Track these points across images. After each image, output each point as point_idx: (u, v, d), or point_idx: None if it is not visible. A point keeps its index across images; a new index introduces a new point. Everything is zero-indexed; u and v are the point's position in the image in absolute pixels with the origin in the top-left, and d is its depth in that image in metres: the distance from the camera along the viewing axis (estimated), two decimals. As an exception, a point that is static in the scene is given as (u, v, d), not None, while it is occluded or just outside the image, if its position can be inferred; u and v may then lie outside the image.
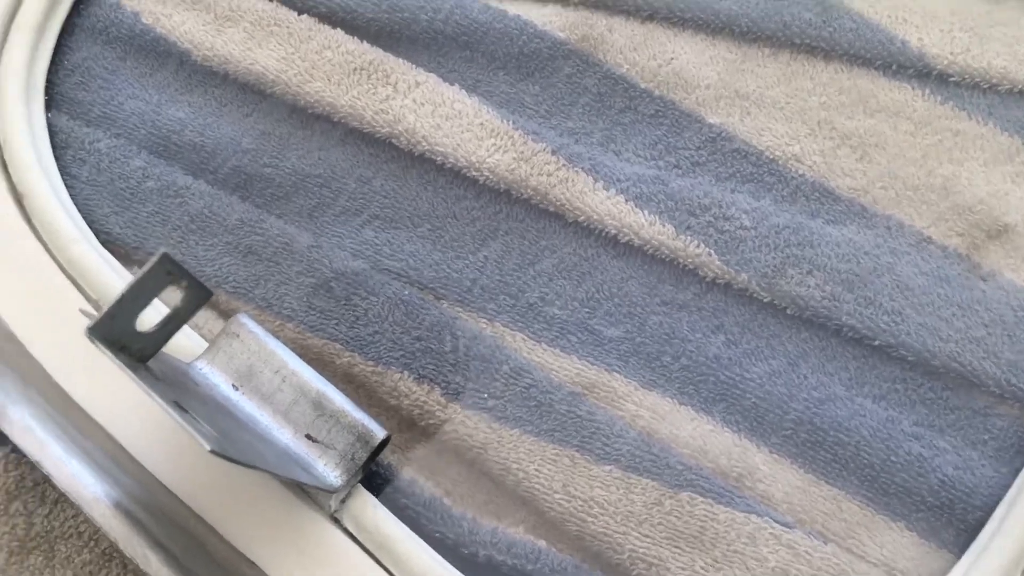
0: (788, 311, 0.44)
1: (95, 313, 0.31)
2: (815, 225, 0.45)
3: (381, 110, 0.48)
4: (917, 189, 0.45)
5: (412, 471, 0.42)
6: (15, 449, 0.41)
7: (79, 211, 0.46)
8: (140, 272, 0.31)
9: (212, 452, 0.28)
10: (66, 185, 0.47)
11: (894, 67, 0.48)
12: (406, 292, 0.45)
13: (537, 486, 0.41)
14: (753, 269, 0.44)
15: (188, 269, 0.33)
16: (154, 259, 0.31)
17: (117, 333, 0.31)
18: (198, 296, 0.33)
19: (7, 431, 0.37)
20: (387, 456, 0.42)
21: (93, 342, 0.29)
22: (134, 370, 0.29)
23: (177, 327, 0.34)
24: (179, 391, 0.34)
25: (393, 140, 0.48)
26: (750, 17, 0.49)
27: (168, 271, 0.31)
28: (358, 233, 0.47)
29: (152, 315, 0.36)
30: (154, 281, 0.31)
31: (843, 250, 0.44)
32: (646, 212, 0.45)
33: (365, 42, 0.50)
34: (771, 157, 0.47)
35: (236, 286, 0.45)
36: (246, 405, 0.39)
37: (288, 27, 0.50)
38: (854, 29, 0.48)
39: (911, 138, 0.46)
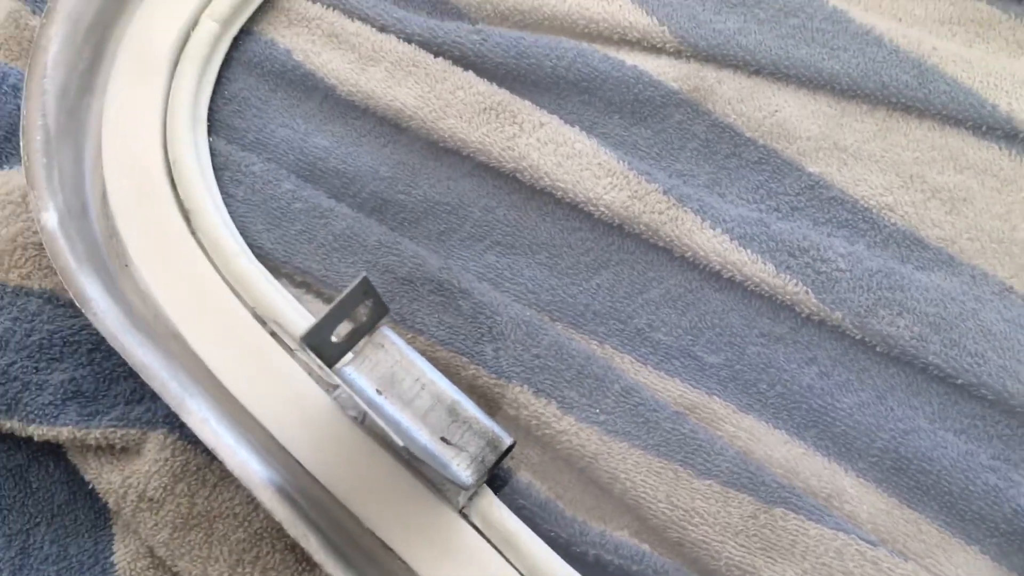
0: (878, 348, 0.47)
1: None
2: (905, 270, 0.48)
3: (508, 147, 0.53)
4: (1001, 242, 0.49)
5: (528, 475, 0.47)
6: (183, 436, 0.47)
7: (236, 227, 0.52)
8: (344, 292, 0.36)
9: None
10: (224, 203, 0.52)
11: (984, 128, 0.51)
12: (527, 314, 0.49)
13: (643, 495, 0.45)
14: (847, 308, 0.48)
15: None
16: (356, 282, 0.36)
17: (319, 342, 0.36)
18: (379, 312, 0.38)
19: (186, 420, 0.42)
20: (506, 461, 0.47)
21: (303, 347, 0.34)
22: (331, 369, 0.34)
23: (359, 338, 0.39)
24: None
25: (517, 174, 0.52)
26: (850, 76, 0.53)
27: (364, 291, 0.36)
28: (481, 257, 0.52)
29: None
30: (353, 300, 0.36)
31: (931, 295, 0.48)
32: (749, 251, 0.49)
33: (494, 84, 0.55)
34: (866, 206, 0.51)
35: (374, 300, 0.50)
36: (389, 408, 0.44)
37: (425, 68, 0.55)
38: (947, 91, 0.52)
39: (997, 194, 0.50)
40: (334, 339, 0.38)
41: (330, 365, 0.38)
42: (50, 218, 0.47)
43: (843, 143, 0.52)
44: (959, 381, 0.46)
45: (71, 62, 0.51)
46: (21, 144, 0.48)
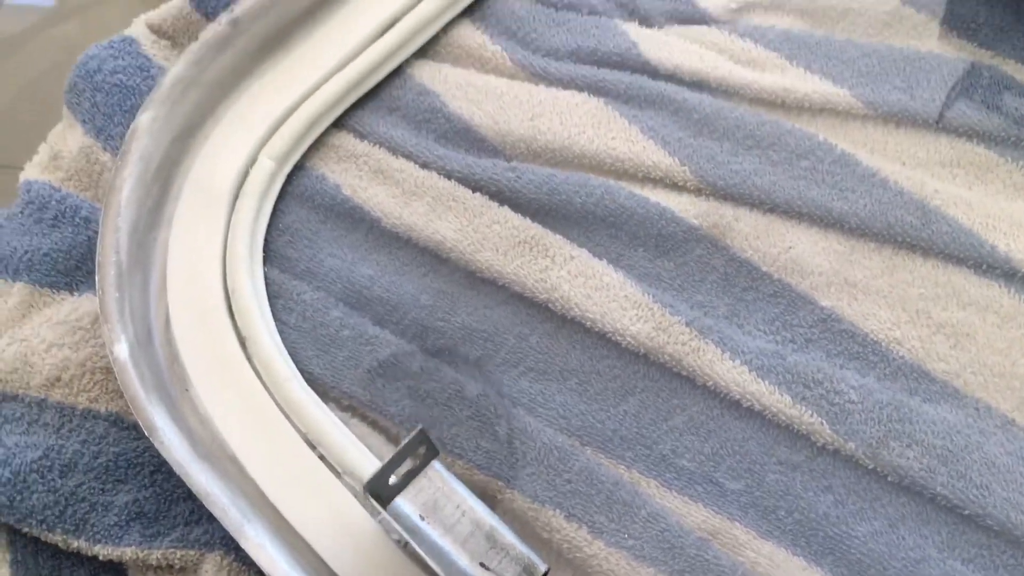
0: (889, 478, 0.51)
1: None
2: (914, 403, 0.52)
3: (540, 279, 0.57)
4: (1003, 376, 0.53)
5: (560, 596, 0.50)
6: (238, 557, 0.50)
7: (288, 352, 0.56)
8: (404, 442, 0.40)
9: None
10: (278, 330, 0.56)
11: (984, 267, 0.55)
12: (559, 439, 0.53)
13: (669, 618, 0.48)
14: (859, 439, 0.51)
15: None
16: (414, 432, 0.39)
17: (379, 487, 0.39)
18: (431, 456, 0.42)
19: (244, 546, 0.46)
20: (540, 582, 0.50)
21: (365, 495, 0.38)
22: (386, 512, 0.38)
23: (411, 479, 0.42)
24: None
25: (549, 305, 0.56)
26: (858, 216, 0.57)
27: (420, 441, 0.40)
28: (516, 383, 0.55)
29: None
30: (410, 449, 0.40)
31: (938, 428, 0.51)
32: (766, 382, 0.53)
33: (527, 218, 0.59)
34: (875, 339, 0.54)
35: (414, 425, 0.54)
36: (431, 533, 0.47)
37: (464, 203, 0.59)
38: (949, 232, 0.56)
39: (998, 330, 0.54)
40: (392, 482, 0.41)
41: (385, 507, 0.41)
42: (122, 350, 0.51)
43: (853, 279, 0.56)
44: (966, 512, 0.49)
45: (141, 200, 0.56)
46: (97, 279, 0.52)
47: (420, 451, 0.42)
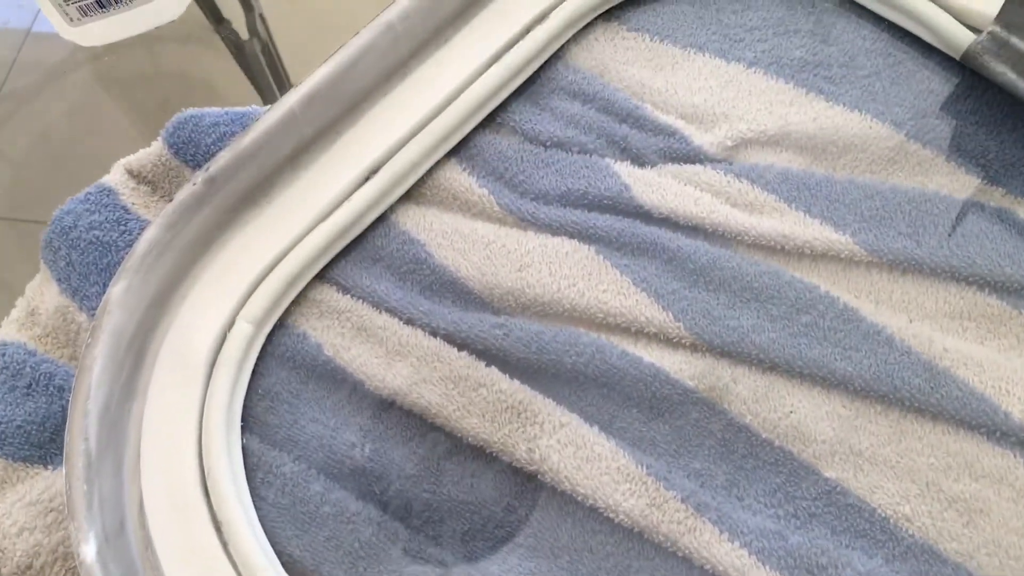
0: (899, 676, 0.48)
1: None
2: (924, 590, 0.49)
3: (529, 448, 0.54)
4: (1019, 559, 0.49)
5: None
6: None
7: (265, 532, 0.53)
8: None
9: None
10: (256, 506, 0.54)
11: (998, 434, 0.52)
12: (549, 630, 0.50)
13: None
14: (867, 633, 0.48)
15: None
16: None
17: None
18: None
19: None
20: None
21: None
22: None
23: None
24: None
25: (539, 476, 0.54)
26: (863, 377, 0.54)
27: None
28: (505, 560, 0.53)
29: None
30: None
31: (951, 620, 0.48)
32: (767, 567, 0.50)
33: (516, 380, 0.56)
34: (883, 515, 0.51)
35: (399, 613, 0.51)
36: None
37: (449, 363, 0.57)
38: (959, 397, 0.53)
39: (1013, 505, 0.51)
40: None
41: None
42: (89, 552, 0.48)
43: (858, 447, 0.53)
44: None
45: (114, 376, 0.54)
46: (64, 472, 0.50)
47: None
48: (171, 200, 0.58)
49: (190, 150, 0.64)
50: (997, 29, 0.60)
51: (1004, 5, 0.59)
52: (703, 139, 0.63)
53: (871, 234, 0.58)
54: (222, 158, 0.59)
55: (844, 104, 0.63)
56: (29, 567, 0.53)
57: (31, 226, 0.81)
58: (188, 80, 0.88)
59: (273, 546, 0.53)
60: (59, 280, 0.61)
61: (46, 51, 0.90)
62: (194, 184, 0.58)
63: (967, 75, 0.63)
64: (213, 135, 0.64)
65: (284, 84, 0.88)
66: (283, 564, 0.53)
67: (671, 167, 0.62)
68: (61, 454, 0.56)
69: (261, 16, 0.90)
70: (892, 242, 0.57)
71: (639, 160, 0.63)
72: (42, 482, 0.55)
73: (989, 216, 0.58)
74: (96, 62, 0.88)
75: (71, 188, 0.64)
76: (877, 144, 0.61)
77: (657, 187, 0.61)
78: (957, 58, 0.62)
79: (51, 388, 0.58)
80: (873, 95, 0.63)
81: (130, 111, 0.87)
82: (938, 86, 0.63)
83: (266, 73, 0.88)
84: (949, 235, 0.57)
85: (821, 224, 0.59)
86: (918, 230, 0.58)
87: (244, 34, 0.89)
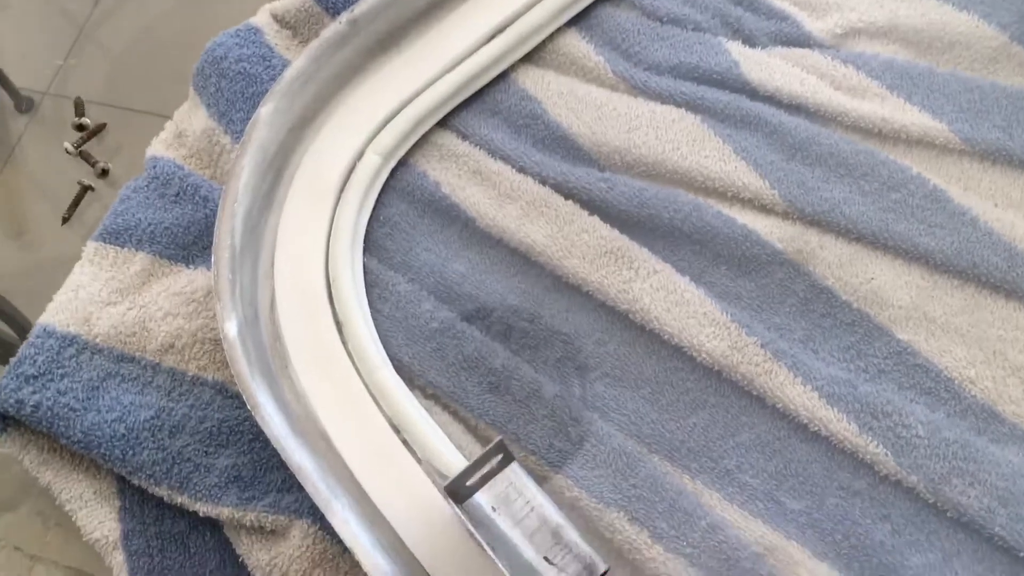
0: (948, 513, 0.52)
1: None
2: (980, 443, 0.53)
3: (623, 290, 0.59)
4: (1076, 425, 0.53)
5: (617, 594, 0.53)
6: (323, 527, 0.54)
7: (380, 339, 0.59)
8: (484, 451, 0.43)
9: None
10: (372, 317, 0.60)
11: (1067, 314, 0.55)
12: (629, 444, 0.55)
13: (719, 626, 0.51)
14: (922, 473, 0.52)
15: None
16: (494, 443, 0.43)
17: (457, 487, 0.43)
18: (507, 462, 0.45)
19: (330, 520, 0.50)
20: (599, 578, 0.53)
21: (443, 495, 0.42)
22: (462, 509, 0.41)
23: (487, 481, 0.46)
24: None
25: (630, 315, 0.59)
26: (944, 252, 0.57)
27: (498, 450, 0.43)
28: (592, 387, 0.58)
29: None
30: (487, 457, 0.43)
31: (1003, 470, 0.52)
32: (835, 409, 0.54)
33: (616, 229, 0.61)
34: (949, 376, 0.55)
35: (493, 419, 0.57)
36: (501, 523, 0.50)
37: (555, 209, 0.62)
38: (1036, 277, 0.56)
39: (1076, 378, 0.54)
40: (469, 483, 0.45)
41: (460, 504, 0.45)
42: (232, 328, 0.55)
43: (932, 314, 0.57)
44: (1021, 554, 0.50)
45: (257, 186, 0.60)
46: (212, 261, 0.57)
47: (497, 459, 0.45)
48: (311, 42, 0.64)
49: (332, -2, 0.69)
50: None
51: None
52: (814, 26, 0.66)
53: (967, 124, 0.61)
54: (366, 2, 0.64)
55: (953, 4, 0.65)
56: (171, 346, 0.60)
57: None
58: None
59: (386, 351, 0.59)
60: (207, 105, 0.67)
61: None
62: (339, 23, 0.63)
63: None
64: (354, -15, 0.69)
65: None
66: (394, 367, 0.59)
67: (780, 49, 0.66)
68: (202, 255, 0.63)
69: None
70: (986, 133, 0.60)
71: (750, 40, 0.67)
72: (184, 277, 0.62)
73: (1084, 117, 0.60)
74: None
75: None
76: (981, 43, 0.64)
77: (765, 66, 0.65)
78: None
79: (197, 198, 0.64)
80: (982, -2, 0.65)
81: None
82: (1048, -6, 0.65)
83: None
84: (1043, 132, 0.60)
85: (920, 111, 0.62)
86: (1012, 124, 0.60)
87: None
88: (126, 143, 0.79)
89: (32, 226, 0.77)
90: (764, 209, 0.61)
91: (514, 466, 0.51)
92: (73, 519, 0.57)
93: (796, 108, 0.63)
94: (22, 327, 0.68)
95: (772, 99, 0.64)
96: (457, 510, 0.45)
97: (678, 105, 0.64)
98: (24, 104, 0.84)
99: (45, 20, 0.91)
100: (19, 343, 0.60)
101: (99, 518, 0.57)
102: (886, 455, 0.53)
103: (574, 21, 0.69)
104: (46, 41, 0.89)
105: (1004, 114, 0.61)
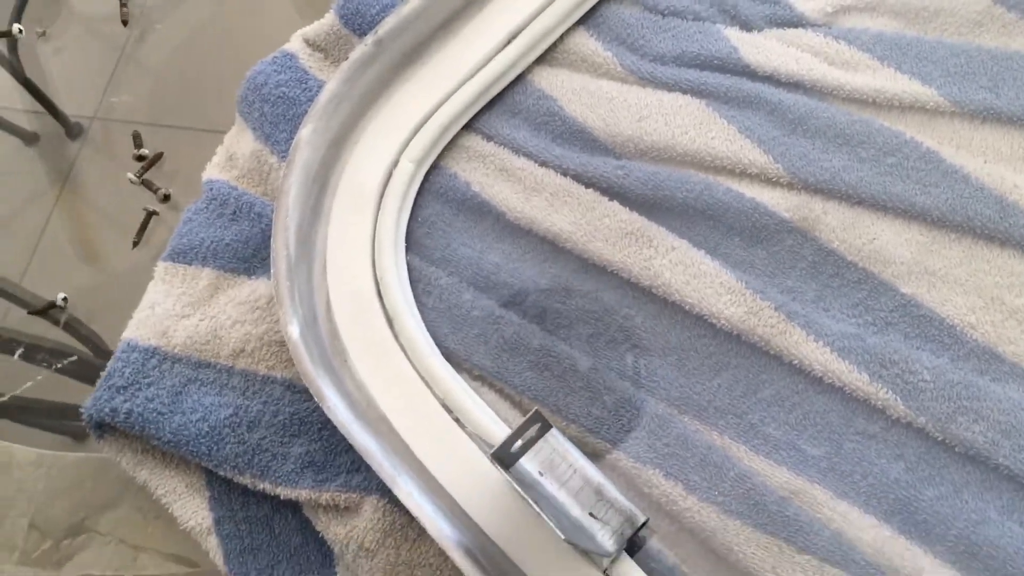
0: (956, 449, 0.57)
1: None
2: (983, 382, 0.58)
3: (645, 267, 0.64)
4: (1071, 359, 0.58)
5: (659, 543, 0.58)
6: (391, 500, 0.60)
7: (427, 330, 0.65)
8: (523, 420, 0.49)
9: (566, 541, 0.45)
10: (418, 310, 0.66)
11: (1059, 257, 0.60)
12: (660, 408, 0.61)
13: (752, 565, 0.56)
14: (930, 414, 0.57)
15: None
16: (531, 413, 0.49)
17: (503, 454, 0.49)
18: (545, 429, 0.51)
19: (396, 493, 0.56)
20: (640, 532, 0.58)
21: (491, 460, 0.48)
22: (510, 473, 0.47)
23: (528, 448, 0.52)
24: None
25: (652, 290, 0.64)
26: (940, 209, 0.62)
27: (535, 419, 0.49)
28: (622, 358, 0.64)
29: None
30: (527, 426, 0.49)
31: (1004, 405, 0.56)
32: (847, 362, 0.59)
33: (634, 212, 0.66)
34: (951, 324, 0.60)
35: (535, 394, 0.63)
36: (548, 485, 0.56)
37: (578, 198, 0.67)
38: (1026, 225, 0.60)
39: (1069, 316, 0.59)
40: (513, 450, 0.51)
41: (507, 469, 0.51)
42: (294, 331, 0.61)
43: (932, 268, 0.61)
44: (1025, 481, 0.55)
45: (304, 200, 0.66)
46: (272, 269, 0.63)
47: (535, 427, 0.51)
48: (342, 63, 0.70)
49: (357, 20, 0.75)
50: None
51: None
52: (805, 6, 0.71)
53: (955, 87, 0.65)
54: (388, 23, 0.69)
55: (938, -27, 0.69)
56: (242, 351, 0.66)
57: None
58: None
59: (433, 340, 0.65)
60: (253, 129, 0.73)
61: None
62: (365, 45, 0.69)
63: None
64: (377, 6, 0.74)
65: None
66: (442, 353, 0.65)
67: (775, 31, 0.70)
68: (262, 266, 0.69)
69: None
70: (974, 94, 0.65)
71: (747, 26, 0.71)
72: (247, 288, 0.68)
73: (1067, 71, 0.64)
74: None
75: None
76: (965, 8, 0.68)
77: (762, 48, 0.69)
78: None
79: (252, 214, 0.70)
80: (966, -35, 0.69)
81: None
82: (1028, -44, 0.69)
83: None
84: (1027, 88, 0.64)
85: (910, 79, 0.66)
86: (998, 84, 0.65)
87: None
88: (182, 167, 0.86)
89: (103, 250, 0.85)
90: (770, 182, 0.66)
91: (554, 431, 0.56)
92: (169, 511, 0.64)
93: (794, 86, 0.68)
94: (96, 345, 0.75)
95: (771, 79, 0.69)
96: (507, 475, 0.51)
97: (684, 92, 0.69)
98: (74, 130, 0.90)
99: (85, 45, 0.96)
100: (95, 360, 0.67)
101: (192, 508, 0.64)
102: (896, 400, 0.58)
103: (582, 21, 0.74)
104: (89, 66, 0.94)
105: (990, 75, 0.65)
